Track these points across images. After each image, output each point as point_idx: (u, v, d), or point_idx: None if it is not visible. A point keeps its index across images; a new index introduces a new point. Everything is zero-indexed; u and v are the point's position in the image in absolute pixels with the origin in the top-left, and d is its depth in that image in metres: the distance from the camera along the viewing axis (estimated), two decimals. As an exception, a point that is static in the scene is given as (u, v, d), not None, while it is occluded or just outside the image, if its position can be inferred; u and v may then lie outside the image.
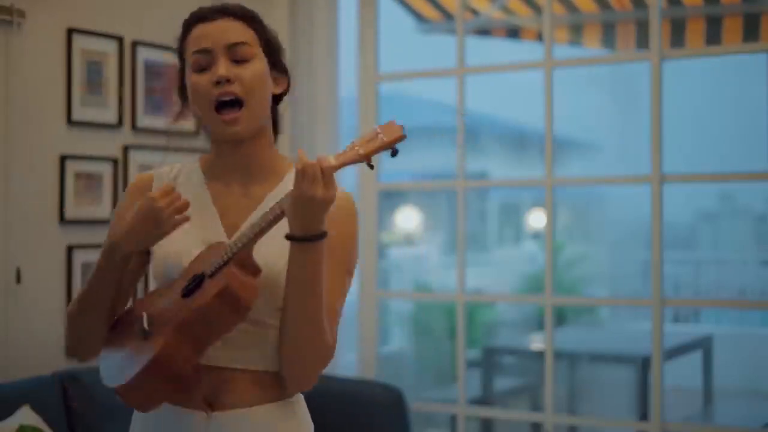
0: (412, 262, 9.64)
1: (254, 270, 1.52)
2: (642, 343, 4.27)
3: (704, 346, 5.68)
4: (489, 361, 5.34)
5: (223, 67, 1.61)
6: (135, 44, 3.43)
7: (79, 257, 3.24)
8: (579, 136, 10.55)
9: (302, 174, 1.43)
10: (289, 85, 1.72)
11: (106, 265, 1.66)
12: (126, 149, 3.39)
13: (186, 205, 1.56)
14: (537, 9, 4.77)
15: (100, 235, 3.32)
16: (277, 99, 1.71)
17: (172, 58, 3.70)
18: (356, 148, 1.44)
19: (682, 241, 10.99)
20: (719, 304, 8.35)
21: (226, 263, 1.50)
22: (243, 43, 1.63)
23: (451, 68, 3.84)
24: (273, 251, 1.57)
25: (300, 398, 1.69)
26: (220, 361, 1.59)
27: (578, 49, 5.16)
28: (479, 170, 10.09)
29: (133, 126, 3.43)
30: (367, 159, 1.44)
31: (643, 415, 4.53)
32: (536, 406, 5.48)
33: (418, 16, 5.04)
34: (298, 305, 1.52)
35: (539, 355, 4.61)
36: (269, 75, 1.66)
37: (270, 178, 1.68)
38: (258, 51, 1.64)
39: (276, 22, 3.95)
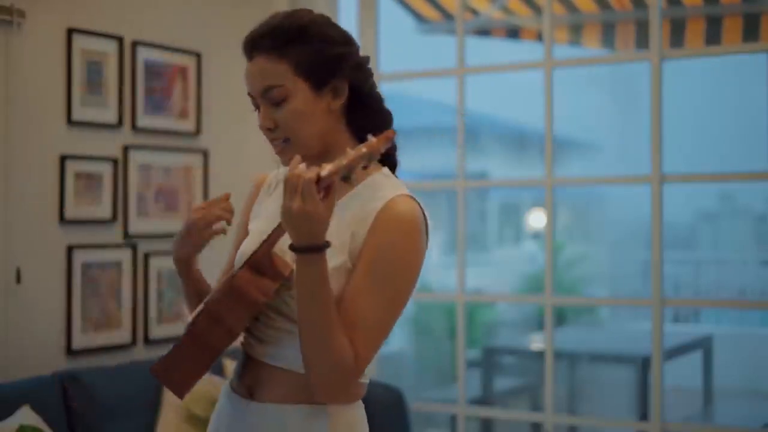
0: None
1: (272, 274, 1.57)
2: (642, 343, 4.27)
3: (704, 346, 5.68)
4: (489, 361, 5.34)
5: (261, 118, 1.63)
6: (135, 44, 3.43)
7: (79, 257, 3.24)
8: (579, 136, 10.55)
9: (285, 184, 1.45)
10: (360, 87, 1.68)
11: (178, 273, 1.77)
12: (126, 149, 3.39)
13: (222, 217, 1.66)
14: (537, 9, 4.77)
15: (100, 235, 3.33)
16: (355, 102, 1.68)
17: (172, 58, 3.71)
18: (343, 158, 1.44)
19: (682, 241, 10.99)
20: (719, 304, 8.36)
21: (244, 265, 1.59)
22: (274, 87, 1.60)
23: (451, 68, 3.85)
24: None
25: (343, 409, 1.63)
26: (262, 356, 1.64)
27: (578, 49, 5.16)
28: (479, 170, 10.09)
29: (133, 126, 3.43)
30: (349, 169, 1.44)
31: (643, 415, 4.54)
32: (536, 406, 5.48)
33: (418, 16, 5.04)
34: (302, 314, 1.52)
35: (539, 355, 4.61)
36: (313, 101, 1.61)
37: (342, 187, 1.60)
38: (293, 85, 1.59)
39: (276, 22, 3.95)
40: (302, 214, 1.43)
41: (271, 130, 1.62)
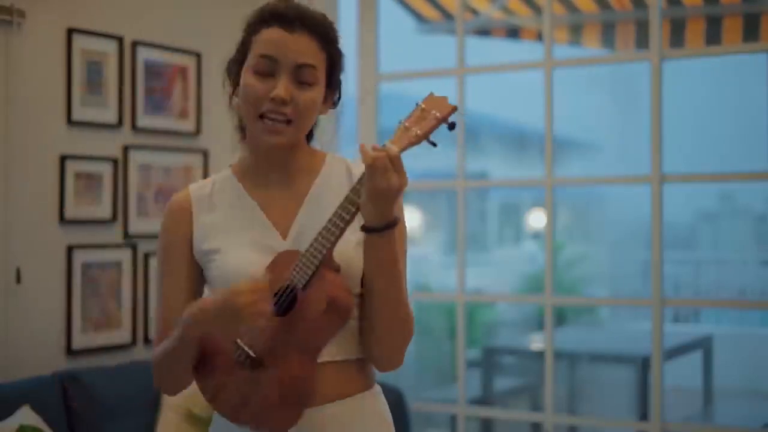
0: (412, 262, 9.62)
1: (338, 268, 1.56)
2: (642, 343, 4.27)
3: (704, 346, 5.68)
4: (489, 361, 5.34)
5: (283, 88, 1.59)
6: (135, 44, 3.43)
7: (79, 257, 3.24)
8: (579, 136, 10.55)
9: (373, 168, 1.45)
10: (335, 102, 1.75)
11: (183, 339, 1.57)
12: (126, 149, 3.39)
13: (268, 312, 1.50)
14: (537, 9, 4.77)
15: (100, 235, 3.33)
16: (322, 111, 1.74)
17: (172, 58, 3.71)
18: (411, 129, 1.48)
19: (682, 241, 10.99)
20: (719, 304, 8.36)
21: (315, 272, 1.51)
22: (312, 67, 1.61)
23: (451, 68, 3.84)
24: (342, 240, 1.56)
25: (380, 390, 1.71)
26: None
27: (578, 49, 5.16)
28: (479, 170, 10.09)
29: (133, 126, 3.43)
30: (426, 138, 1.49)
31: (643, 415, 4.54)
32: (536, 406, 5.48)
33: (418, 16, 5.04)
34: (386, 290, 1.56)
35: (539, 355, 4.61)
36: (321, 99, 1.66)
37: (308, 175, 1.69)
38: (322, 76, 1.64)
39: (276, 22, 3.95)
40: (400, 188, 1.47)
41: (285, 104, 1.59)
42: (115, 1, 3.42)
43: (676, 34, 4.57)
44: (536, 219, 11.20)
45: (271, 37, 1.62)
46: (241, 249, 1.62)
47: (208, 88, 3.71)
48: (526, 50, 4.98)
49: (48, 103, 3.18)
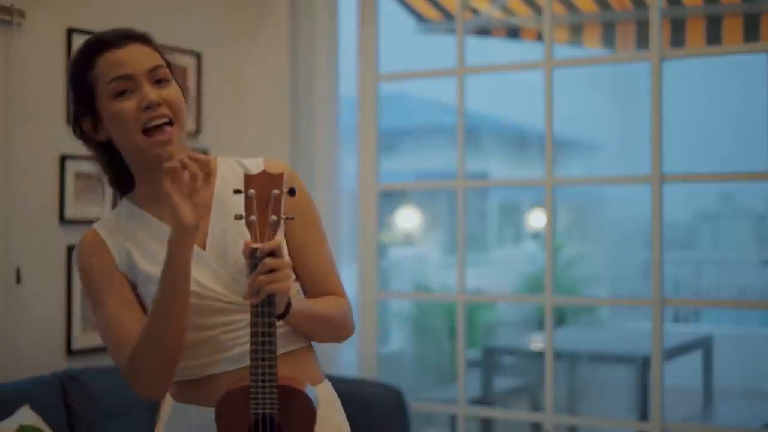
0: (412, 262, 9.64)
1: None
2: (642, 343, 4.27)
3: (704, 346, 5.68)
4: (489, 361, 5.34)
5: (151, 92, 1.62)
6: (135, 44, 3.43)
7: (79, 257, 3.23)
8: (579, 136, 10.55)
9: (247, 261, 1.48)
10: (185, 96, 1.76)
11: (172, 266, 1.55)
12: (126, 149, 3.39)
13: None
14: (537, 9, 4.77)
15: (100, 235, 3.32)
16: None
17: (172, 58, 3.68)
18: (264, 218, 1.46)
19: (682, 241, 11.00)
20: (719, 304, 8.36)
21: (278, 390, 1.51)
22: (161, 66, 1.67)
23: (451, 68, 3.84)
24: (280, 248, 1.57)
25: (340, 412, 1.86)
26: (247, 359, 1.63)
27: (578, 49, 5.16)
28: (479, 170, 10.09)
29: (133, 126, 3.42)
30: (285, 215, 1.49)
31: (643, 415, 4.53)
32: (536, 406, 5.48)
33: (418, 16, 5.04)
34: (312, 331, 1.73)
35: (539, 355, 4.61)
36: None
37: (205, 180, 1.61)
38: (169, 73, 1.70)
39: (276, 22, 3.96)
40: (284, 290, 1.50)
41: (160, 105, 1.64)
42: (115, 1, 3.42)
43: (677, 34, 4.57)
44: (536, 219, 11.20)
45: (111, 60, 1.64)
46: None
47: (208, 88, 3.70)
48: (526, 50, 4.97)
49: (48, 103, 3.18)
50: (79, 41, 3.22)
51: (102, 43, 1.66)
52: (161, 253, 1.58)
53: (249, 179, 1.48)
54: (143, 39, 1.70)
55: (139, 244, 1.68)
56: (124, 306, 1.63)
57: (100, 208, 3.29)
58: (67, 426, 2.94)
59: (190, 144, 3.64)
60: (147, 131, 1.62)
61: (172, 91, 1.66)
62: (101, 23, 3.32)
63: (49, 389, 2.94)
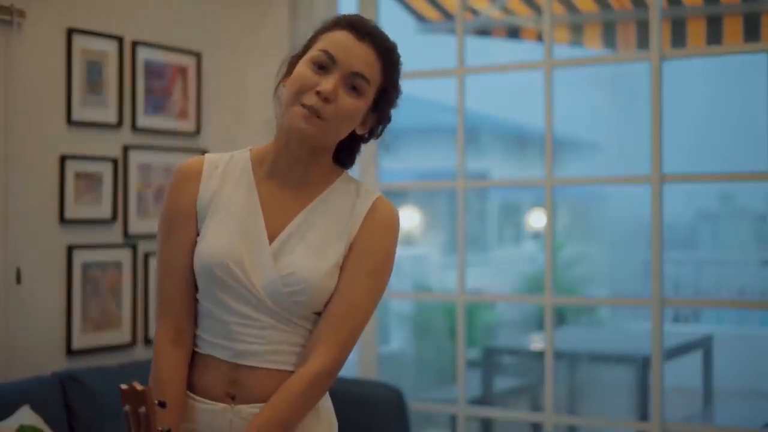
0: (412, 262, 9.63)
1: None
2: (642, 343, 4.27)
3: (704, 346, 5.68)
4: (489, 361, 5.34)
5: (331, 84, 1.60)
6: (135, 44, 3.43)
7: (79, 257, 3.23)
8: (579, 136, 10.55)
9: None
10: (374, 131, 1.73)
11: None
12: (126, 149, 3.39)
13: None
14: (537, 9, 4.77)
15: (100, 235, 3.33)
16: (359, 137, 1.72)
17: (172, 58, 3.70)
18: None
19: (682, 241, 10.99)
20: (719, 304, 8.35)
21: None
22: (365, 78, 1.63)
23: (451, 68, 3.84)
24: (304, 264, 1.62)
25: (324, 398, 1.73)
26: (245, 359, 1.65)
27: (578, 49, 5.16)
28: (479, 170, 10.08)
29: (133, 126, 3.42)
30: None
31: (643, 415, 4.53)
32: (536, 406, 5.48)
33: (418, 16, 5.03)
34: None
35: (539, 355, 4.61)
36: (361, 116, 1.66)
37: (319, 186, 1.69)
38: (371, 92, 1.65)
39: (276, 22, 3.96)
40: None
41: (327, 101, 1.60)
42: (115, 1, 3.42)
43: (677, 34, 4.57)
44: (536, 219, 11.20)
45: (338, 38, 1.64)
46: (227, 238, 1.65)
47: (208, 88, 3.70)
48: (526, 50, 4.97)
49: (48, 103, 3.18)
50: (79, 41, 3.24)
51: (351, 24, 1.66)
52: (229, 227, 1.64)
53: (122, 394, 1.47)
54: (382, 50, 1.66)
55: (222, 203, 1.69)
56: (179, 252, 1.68)
57: (100, 208, 3.30)
58: (67, 426, 2.93)
59: (190, 144, 3.65)
60: (302, 104, 1.62)
61: (350, 102, 1.62)
62: (101, 23, 3.33)
63: (49, 389, 2.94)
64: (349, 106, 1.62)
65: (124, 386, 1.47)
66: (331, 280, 1.62)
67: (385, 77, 1.66)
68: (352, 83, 1.62)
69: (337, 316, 1.62)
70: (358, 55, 1.62)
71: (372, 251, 1.64)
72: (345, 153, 1.74)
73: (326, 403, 1.74)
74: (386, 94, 1.68)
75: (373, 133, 1.73)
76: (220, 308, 1.66)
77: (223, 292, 1.65)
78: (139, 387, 1.46)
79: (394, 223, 1.69)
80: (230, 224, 1.66)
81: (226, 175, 1.70)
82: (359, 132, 1.69)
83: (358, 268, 1.63)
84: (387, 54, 1.66)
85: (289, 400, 1.61)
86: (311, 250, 1.62)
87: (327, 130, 1.62)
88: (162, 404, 1.47)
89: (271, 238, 1.65)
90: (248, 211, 1.67)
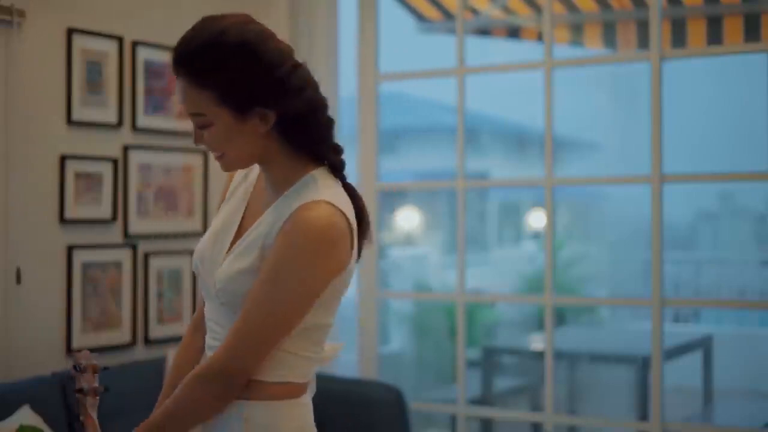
0: (412, 262, 9.63)
1: None
2: (642, 343, 4.27)
3: (704, 346, 5.68)
4: (489, 361, 5.34)
5: (194, 133, 1.66)
6: (135, 44, 3.43)
7: (79, 257, 3.24)
8: (579, 136, 10.55)
9: None
10: (286, 110, 1.62)
11: None
12: (126, 149, 3.39)
13: None
14: (537, 9, 4.77)
15: (100, 235, 3.33)
16: (288, 120, 1.63)
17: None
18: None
19: (682, 241, 10.98)
20: (719, 304, 8.35)
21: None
22: (197, 115, 1.61)
23: (451, 68, 3.84)
24: (225, 265, 1.66)
25: (260, 406, 1.64)
26: (208, 353, 1.74)
27: (578, 49, 5.16)
28: (479, 170, 10.08)
29: (133, 126, 3.42)
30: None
31: (643, 415, 4.53)
32: (536, 406, 5.48)
33: (418, 16, 5.03)
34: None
35: (539, 355, 4.61)
36: (236, 127, 1.61)
37: (284, 186, 1.67)
38: (215, 114, 1.60)
39: (276, 22, 3.95)
40: None
41: (205, 146, 1.67)
42: (115, 1, 3.42)
43: (677, 34, 4.57)
44: (536, 219, 11.19)
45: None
46: (208, 235, 1.75)
47: (208, 88, 3.70)
48: (526, 50, 4.97)
49: (48, 103, 3.18)
50: (79, 41, 3.24)
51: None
52: (215, 226, 1.74)
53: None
54: (189, 70, 1.62)
55: (227, 204, 1.78)
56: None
57: (100, 208, 3.30)
58: (67, 426, 2.93)
59: (190, 144, 3.65)
60: None
61: (208, 135, 1.67)
62: (101, 23, 3.33)
63: (49, 389, 2.94)
64: (209, 139, 1.63)
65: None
66: (242, 283, 1.62)
67: (210, 86, 1.59)
68: (195, 123, 1.63)
69: (238, 321, 1.60)
70: (182, 95, 1.62)
71: (273, 259, 1.58)
72: (303, 142, 1.67)
73: (262, 419, 1.64)
74: (228, 93, 1.59)
75: (291, 112, 1.63)
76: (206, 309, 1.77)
77: (201, 287, 1.76)
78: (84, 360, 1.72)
79: (304, 230, 1.57)
80: (217, 223, 1.75)
81: (247, 177, 1.79)
82: (262, 129, 1.62)
83: (262, 274, 1.59)
84: (191, 67, 1.60)
85: (175, 395, 1.64)
86: (240, 250, 1.65)
87: (228, 159, 1.66)
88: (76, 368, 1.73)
89: (241, 232, 1.71)
90: (234, 210, 1.75)
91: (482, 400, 5.05)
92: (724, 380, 5.92)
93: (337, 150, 1.71)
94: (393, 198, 9.34)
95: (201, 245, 1.74)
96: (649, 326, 3.48)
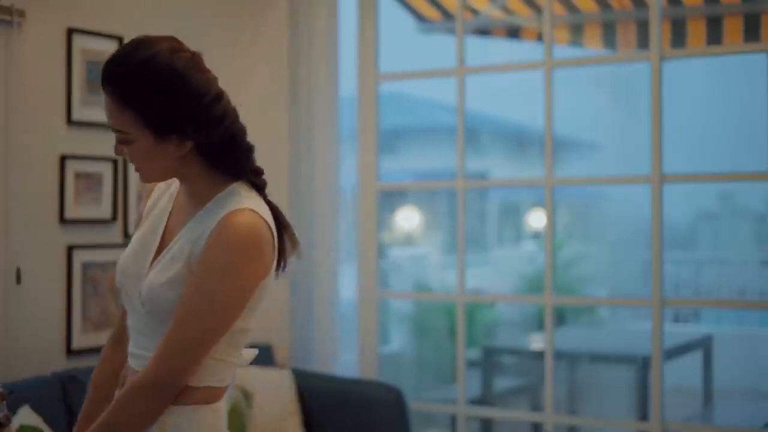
0: (412, 262, 9.63)
1: None
2: (642, 343, 4.27)
3: (704, 346, 5.68)
4: (489, 361, 5.34)
5: (115, 146, 1.68)
6: (135, 44, 3.43)
7: (79, 257, 3.23)
8: (579, 136, 10.54)
9: None
10: (203, 139, 1.66)
11: None
12: (126, 149, 3.39)
13: None
14: (537, 9, 4.77)
15: (100, 235, 3.33)
16: (206, 148, 1.68)
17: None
18: None
19: (682, 241, 10.98)
20: (719, 304, 8.35)
21: None
22: (119, 131, 1.65)
23: (451, 68, 3.84)
24: (151, 275, 1.68)
25: (176, 410, 1.66)
26: (129, 361, 1.76)
27: (578, 49, 5.16)
28: (479, 170, 10.08)
29: (133, 126, 3.42)
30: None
31: (643, 415, 4.53)
32: (536, 406, 5.48)
33: (418, 16, 5.03)
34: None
35: (539, 355, 4.61)
36: (155, 147, 1.64)
37: (205, 198, 1.70)
38: (136, 132, 1.64)
39: (276, 22, 3.96)
40: None
41: (127, 160, 1.74)
42: (115, 1, 3.42)
43: (677, 34, 4.57)
44: (536, 219, 11.19)
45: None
46: (130, 248, 1.78)
47: (208, 88, 3.70)
48: (526, 50, 4.97)
49: (48, 103, 3.18)
50: (79, 41, 3.24)
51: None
52: (137, 238, 1.78)
53: None
54: (113, 88, 1.65)
55: (150, 217, 1.81)
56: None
57: (100, 208, 3.30)
58: (67, 426, 2.93)
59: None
60: None
61: (130, 152, 1.71)
62: (101, 23, 3.33)
63: (49, 389, 2.94)
64: (130, 154, 1.67)
65: None
66: (168, 292, 1.64)
67: (132, 106, 1.62)
68: (117, 138, 1.67)
69: (170, 331, 1.62)
70: (108, 111, 1.66)
71: (203, 268, 1.61)
72: (223, 166, 1.71)
73: (176, 423, 1.66)
74: (155, 115, 1.62)
75: (204, 138, 1.66)
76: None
77: (124, 300, 1.78)
78: None
79: (231, 237, 1.61)
80: (138, 237, 1.78)
81: (168, 190, 1.82)
82: (180, 152, 1.66)
83: (191, 285, 1.62)
84: (110, 81, 1.63)
85: (109, 410, 1.66)
86: (165, 261, 1.68)
87: (145, 173, 1.70)
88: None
89: (165, 243, 1.74)
90: (155, 224, 1.77)
91: (482, 400, 5.05)
92: (724, 380, 5.91)
93: (258, 172, 1.76)
94: (393, 198, 9.33)
95: (123, 260, 1.76)
96: (649, 326, 3.48)
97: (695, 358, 5.61)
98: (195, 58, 1.71)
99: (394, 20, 4.59)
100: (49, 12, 3.17)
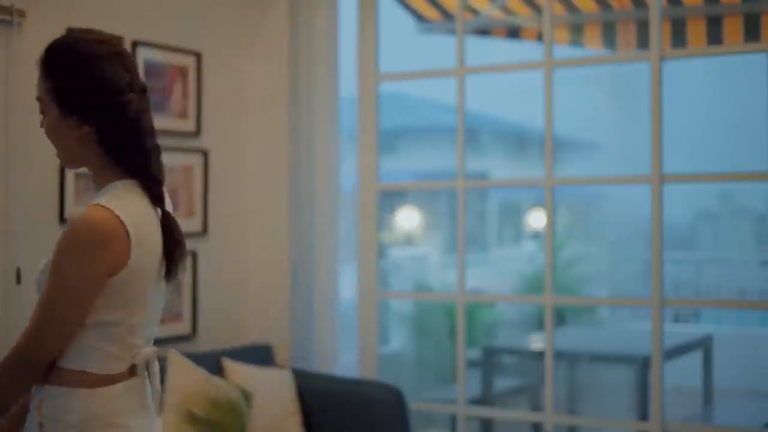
0: (412, 262, 9.63)
1: None
2: (642, 343, 4.27)
3: (704, 346, 5.68)
4: (489, 361, 5.34)
5: (41, 120, 1.84)
6: (135, 44, 3.43)
7: (79, 257, 3.23)
8: (579, 136, 10.55)
9: None
10: (105, 128, 1.81)
11: None
12: (126, 149, 3.39)
13: None
14: (537, 9, 4.77)
15: (100, 235, 3.32)
16: (105, 136, 1.82)
17: (172, 58, 3.70)
18: None
19: (682, 241, 10.99)
20: (719, 304, 8.36)
21: None
22: (38, 99, 1.82)
23: (451, 68, 3.84)
24: (39, 269, 1.86)
25: (59, 392, 1.78)
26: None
27: (578, 49, 5.16)
28: (479, 170, 10.09)
29: (133, 126, 3.42)
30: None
31: (643, 415, 4.53)
32: (536, 406, 5.48)
33: (418, 16, 5.03)
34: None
35: (539, 355, 4.61)
36: (62, 123, 1.80)
37: (98, 191, 1.91)
38: (49, 104, 1.80)
39: (276, 22, 3.96)
40: None
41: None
42: (115, 1, 3.42)
43: (677, 34, 4.57)
44: (536, 219, 11.19)
45: None
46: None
47: (208, 88, 3.70)
48: (526, 50, 4.97)
49: (48, 103, 3.17)
50: (79, 41, 3.24)
51: None
52: None
53: None
54: (43, 63, 1.82)
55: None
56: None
57: (100, 208, 3.29)
58: (67, 426, 2.93)
59: (190, 144, 3.64)
60: None
61: (44, 121, 1.87)
62: (101, 23, 3.32)
63: (49, 389, 2.93)
64: (45, 125, 1.83)
65: None
66: (42, 278, 1.82)
67: (53, 82, 1.79)
68: (40, 108, 1.83)
69: (33, 310, 1.79)
70: (36, 82, 1.82)
71: (53, 255, 1.80)
72: (121, 161, 1.88)
73: (53, 402, 1.79)
74: (63, 92, 1.78)
75: (109, 131, 1.81)
76: None
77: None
78: None
79: (69, 230, 1.80)
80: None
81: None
82: (80, 133, 1.80)
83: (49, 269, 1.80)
84: (44, 62, 1.80)
85: None
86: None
87: (60, 156, 1.90)
88: None
89: None
90: None
91: (482, 400, 5.05)
92: (724, 380, 5.92)
93: (155, 179, 1.90)
94: (393, 198, 9.33)
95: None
96: (649, 326, 3.48)
97: (695, 358, 5.61)
98: (121, 57, 1.82)
99: (394, 20, 4.59)
100: (49, 12, 3.17)
